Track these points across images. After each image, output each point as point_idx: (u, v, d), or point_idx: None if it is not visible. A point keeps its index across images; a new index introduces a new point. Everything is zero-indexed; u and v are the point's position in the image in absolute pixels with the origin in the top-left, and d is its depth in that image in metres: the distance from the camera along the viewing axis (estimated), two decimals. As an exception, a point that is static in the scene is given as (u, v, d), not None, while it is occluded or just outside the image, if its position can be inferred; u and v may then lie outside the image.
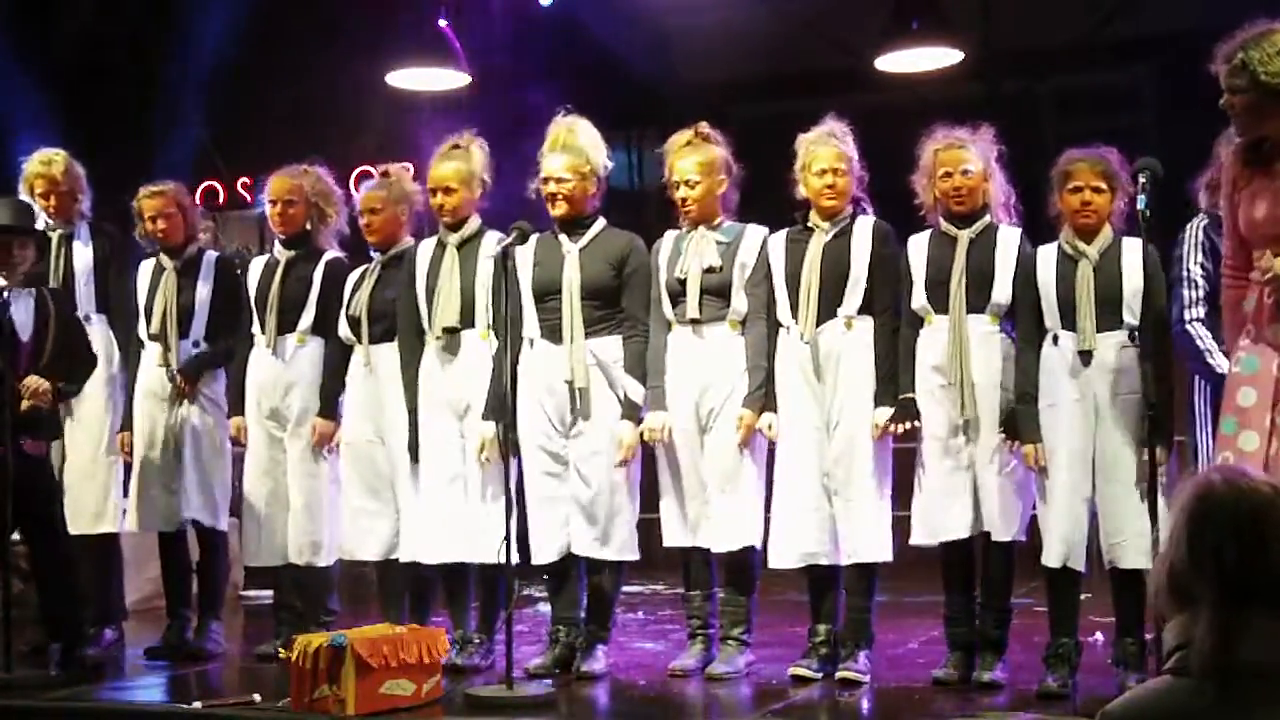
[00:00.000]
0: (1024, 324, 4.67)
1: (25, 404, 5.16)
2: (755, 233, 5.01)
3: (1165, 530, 2.16)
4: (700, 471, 4.97)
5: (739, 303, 4.92)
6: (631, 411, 4.98)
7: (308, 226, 5.66)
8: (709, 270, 4.92)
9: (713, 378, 4.92)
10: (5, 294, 5.15)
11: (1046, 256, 4.65)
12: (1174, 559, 2.11)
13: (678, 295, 4.97)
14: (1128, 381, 4.49)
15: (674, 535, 5.05)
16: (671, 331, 5.00)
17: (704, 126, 5.08)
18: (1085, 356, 4.54)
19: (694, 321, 4.94)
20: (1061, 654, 4.55)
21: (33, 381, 5.18)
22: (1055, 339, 4.61)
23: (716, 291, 4.93)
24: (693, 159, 4.99)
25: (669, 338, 5.00)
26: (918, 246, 4.82)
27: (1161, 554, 2.15)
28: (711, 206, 5.02)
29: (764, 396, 4.88)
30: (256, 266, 5.76)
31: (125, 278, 5.87)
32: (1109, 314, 4.53)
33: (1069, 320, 4.57)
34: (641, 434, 4.95)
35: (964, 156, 4.75)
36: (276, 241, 5.78)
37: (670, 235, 5.09)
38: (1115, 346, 4.52)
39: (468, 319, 5.18)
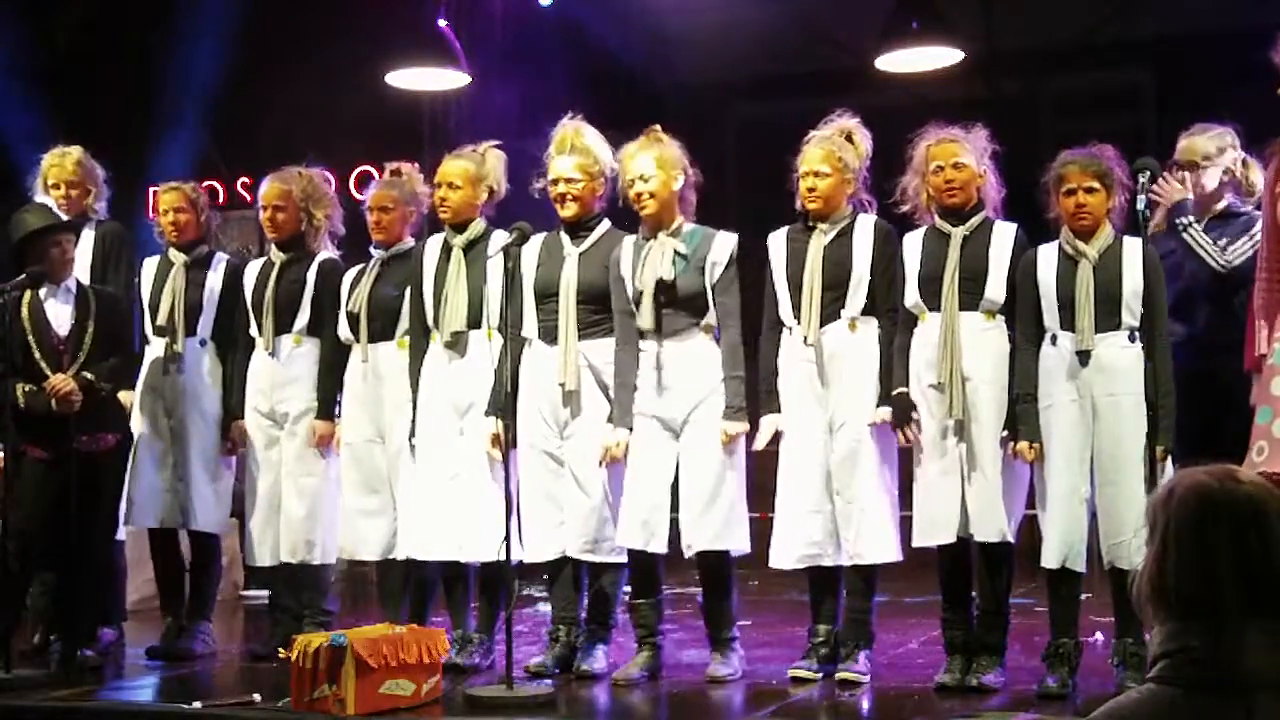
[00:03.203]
0: (1024, 323, 4.66)
1: (54, 404, 5.22)
2: (724, 241, 4.92)
3: (1149, 532, 2.08)
4: (660, 478, 4.89)
5: (713, 307, 4.88)
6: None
7: (300, 230, 5.68)
8: (661, 283, 4.84)
9: (681, 393, 4.87)
10: (10, 291, 5.18)
11: (1047, 256, 4.64)
12: (1169, 563, 2.03)
13: (638, 305, 4.91)
14: (1127, 381, 4.48)
15: (626, 535, 4.93)
16: (642, 339, 4.96)
17: (657, 129, 5.03)
18: (1084, 356, 4.54)
19: (653, 332, 4.89)
20: (1061, 654, 4.55)
21: (57, 382, 5.21)
22: (1054, 339, 4.61)
23: (677, 303, 4.87)
24: (647, 155, 4.93)
25: (642, 345, 4.96)
26: (912, 243, 4.82)
27: (1150, 557, 2.07)
28: (669, 207, 4.94)
29: (745, 405, 4.86)
30: (252, 269, 5.78)
31: (121, 274, 5.88)
32: (1108, 314, 4.52)
33: (1068, 320, 4.56)
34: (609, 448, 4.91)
35: (956, 150, 4.74)
36: (271, 244, 5.78)
37: (629, 242, 5.01)
38: (1114, 346, 4.52)
39: (474, 320, 5.17)
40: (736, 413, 4.85)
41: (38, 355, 5.29)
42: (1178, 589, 2.03)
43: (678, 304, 4.88)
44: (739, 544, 4.91)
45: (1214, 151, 4.92)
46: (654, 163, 4.91)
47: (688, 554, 4.91)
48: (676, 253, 4.88)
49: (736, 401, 4.85)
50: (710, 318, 4.89)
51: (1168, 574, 2.04)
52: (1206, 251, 4.83)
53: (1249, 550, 2.00)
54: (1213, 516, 2.02)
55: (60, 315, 5.37)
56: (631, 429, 4.92)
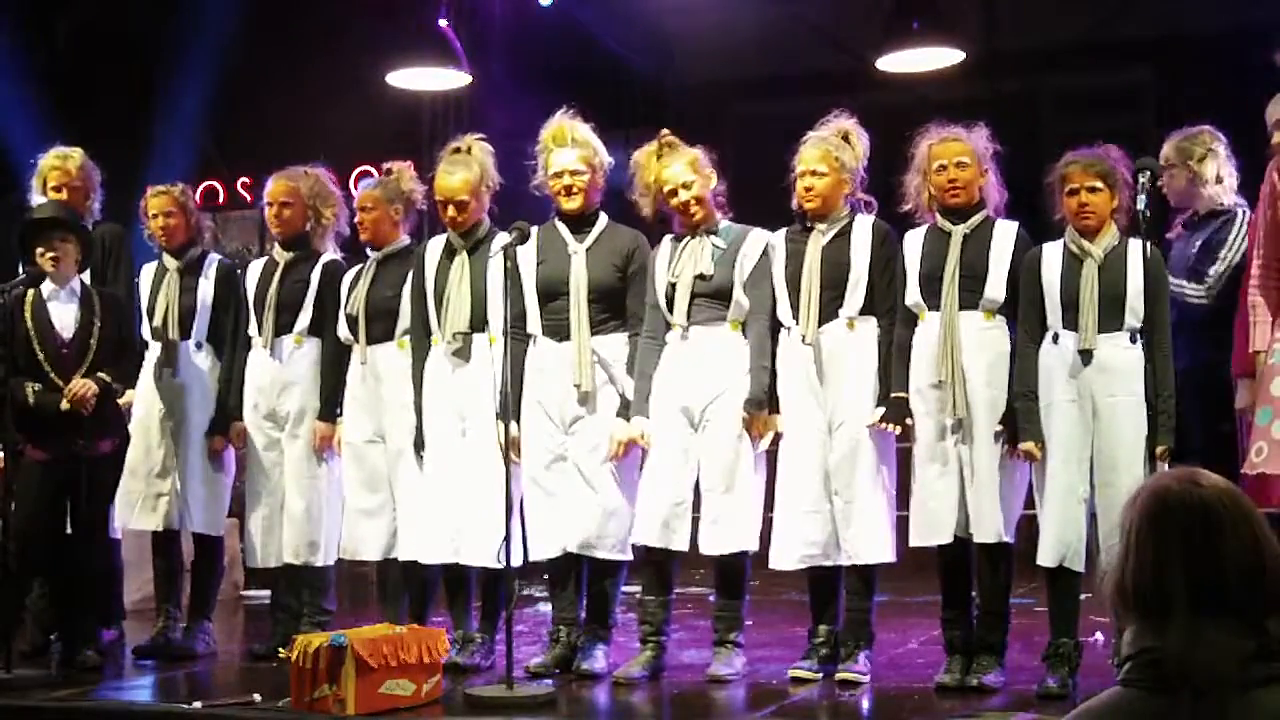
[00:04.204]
0: (1026, 321, 4.66)
1: (65, 405, 5.23)
2: (758, 237, 4.96)
3: (1118, 535, 2.12)
4: (681, 474, 4.92)
5: (742, 300, 4.90)
6: (628, 410, 4.98)
7: (306, 228, 5.68)
8: (700, 277, 4.89)
9: (703, 380, 4.89)
10: (11, 291, 5.19)
11: (1052, 254, 4.64)
12: (1130, 565, 2.07)
13: (670, 300, 4.95)
14: (1127, 382, 4.48)
15: (645, 532, 4.94)
16: (668, 333, 4.98)
17: (667, 132, 5.04)
18: (1085, 356, 4.54)
19: (684, 326, 4.91)
20: (1061, 654, 4.54)
21: (77, 387, 5.22)
22: (1055, 338, 4.61)
23: (711, 295, 4.90)
24: (680, 161, 4.95)
25: (666, 337, 4.99)
26: (913, 242, 4.82)
27: (1115, 559, 2.11)
28: (710, 205, 4.99)
29: (768, 396, 4.87)
30: (255, 268, 5.77)
31: (122, 275, 5.87)
32: (1112, 314, 4.52)
33: (1071, 319, 4.56)
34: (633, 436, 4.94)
35: (959, 149, 4.74)
36: (275, 243, 5.78)
37: (668, 240, 5.06)
38: (1116, 347, 4.52)
39: (478, 323, 5.16)
40: (762, 404, 4.86)
41: (41, 357, 5.30)
42: (1135, 590, 2.06)
43: (710, 297, 4.90)
44: (751, 543, 4.91)
45: (1173, 154, 4.98)
46: (690, 169, 4.94)
47: (704, 551, 4.91)
48: (715, 247, 4.91)
49: (762, 393, 4.86)
50: (738, 312, 4.90)
51: (1127, 574, 2.07)
52: None
53: (1197, 552, 2.02)
54: (1169, 519, 2.05)
55: (64, 316, 5.37)
56: (648, 417, 4.93)
